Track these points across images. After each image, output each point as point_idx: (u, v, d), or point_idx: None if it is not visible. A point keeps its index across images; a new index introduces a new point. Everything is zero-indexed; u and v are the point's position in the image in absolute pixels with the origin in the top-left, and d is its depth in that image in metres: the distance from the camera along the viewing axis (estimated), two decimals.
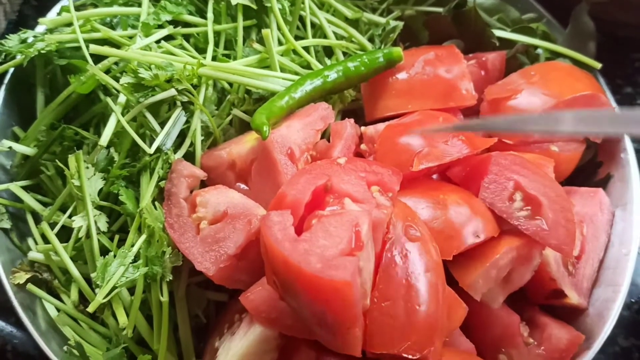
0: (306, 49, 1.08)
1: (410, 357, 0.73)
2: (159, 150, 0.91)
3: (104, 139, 0.90)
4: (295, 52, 1.06)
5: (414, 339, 0.73)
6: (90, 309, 0.82)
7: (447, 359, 0.78)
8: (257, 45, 1.02)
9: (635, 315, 1.05)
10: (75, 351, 0.82)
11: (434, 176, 0.99)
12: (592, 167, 1.10)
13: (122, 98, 0.93)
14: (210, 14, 1.04)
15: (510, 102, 1.02)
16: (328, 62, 1.10)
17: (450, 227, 0.86)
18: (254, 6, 1.04)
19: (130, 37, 1.01)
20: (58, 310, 0.91)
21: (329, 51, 1.13)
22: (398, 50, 1.03)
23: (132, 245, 0.86)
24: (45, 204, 0.97)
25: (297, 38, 1.11)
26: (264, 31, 0.99)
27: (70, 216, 0.92)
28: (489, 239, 0.87)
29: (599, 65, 1.10)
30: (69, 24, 1.02)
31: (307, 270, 0.68)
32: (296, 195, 0.76)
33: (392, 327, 0.74)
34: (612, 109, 1.06)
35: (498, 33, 1.13)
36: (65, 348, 0.84)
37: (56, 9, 1.10)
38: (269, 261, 0.73)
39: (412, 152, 0.92)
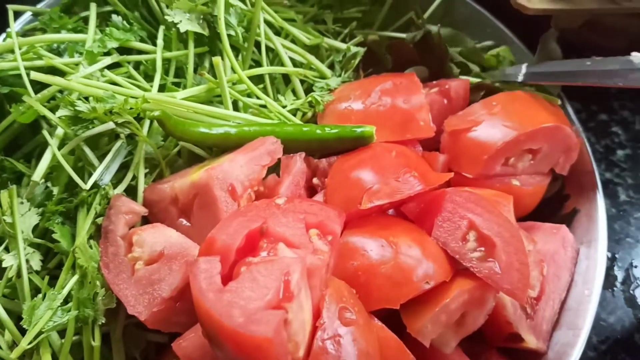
0: (262, 76, 1.04)
1: None
2: (96, 185, 0.87)
3: (38, 174, 0.86)
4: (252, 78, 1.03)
5: None
6: (14, 355, 0.78)
7: None
8: (208, 76, 0.97)
9: (603, 356, 1.01)
10: None
11: (390, 211, 0.95)
12: (559, 201, 1.05)
13: (60, 130, 0.90)
14: (160, 41, 1.01)
15: (469, 133, 0.98)
16: (281, 97, 1.05)
17: (400, 272, 0.81)
18: (206, 33, 1.01)
19: (76, 65, 0.97)
20: None
21: (287, 79, 1.10)
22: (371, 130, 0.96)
23: (63, 287, 0.82)
24: None
25: (256, 64, 1.08)
26: (215, 59, 0.95)
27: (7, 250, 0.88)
28: (441, 283, 0.83)
29: (558, 101, 1.05)
30: (13, 50, 0.98)
31: (228, 325, 0.64)
32: (226, 240, 0.72)
33: None
34: (579, 141, 1.01)
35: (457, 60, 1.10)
36: None
37: (6, 32, 1.07)
38: (196, 311, 0.69)
39: (362, 187, 0.88)
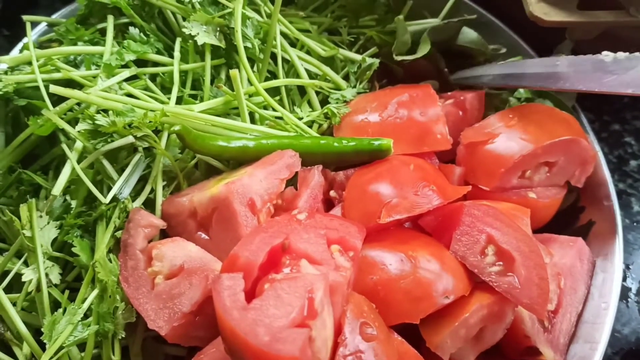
0: (278, 88, 1.04)
1: None
2: (115, 199, 0.87)
3: (57, 189, 0.86)
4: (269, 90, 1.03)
5: None
6: None
7: None
8: (225, 89, 0.98)
9: None
10: None
11: (407, 224, 0.95)
12: (574, 213, 1.05)
13: (79, 144, 0.90)
14: (177, 53, 1.01)
15: (487, 146, 0.98)
16: (297, 109, 1.06)
17: (420, 287, 0.81)
18: (222, 45, 1.01)
19: (94, 77, 0.97)
20: None
21: (302, 90, 1.10)
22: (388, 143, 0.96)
23: (83, 301, 0.82)
24: (1, 250, 0.94)
25: (271, 75, 1.08)
26: (232, 72, 0.96)
27: (26, 263, 0.88)
28: (460, 297, 0.83)
29: (570, 105, 1.06)
30: (30, 62, 0.98)
31: (254, 343, 0.64)
32: (249, 257, 0.72)
33: None
34: (594, 153, 1.02)
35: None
36: None
37: (22, 42, 1.07)
38: (220, 327, 0.69)
39: (381, 201, 0.89)
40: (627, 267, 1.11)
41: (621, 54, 0.96)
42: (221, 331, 0.68)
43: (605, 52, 0.97)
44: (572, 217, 1.05)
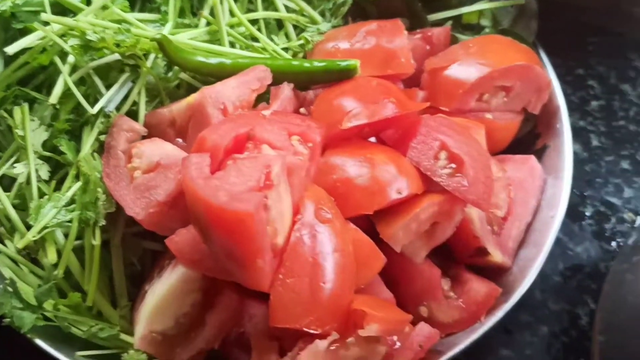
0: (256, 21, 1.12)
1: (312, 331, 0.76)
2: (102, 111, 0.95)
3: (54, 97, 0.94)
4: None
5: (317, 315, 0.77)
6: (20, 244, 0.86)
7: (362, 303, 0.81)
8: (206, 15, 1.06)
9: (567, 281, 1.08)
10: (9, 288, 0.87)
11: (372, 139, 1.02)
12: (531, 139, 1.13)
13: (71, 58, 0.98)
14: None
15: (447, 71, 1.06)
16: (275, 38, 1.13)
17: (376, 183, 0.89)
18: None
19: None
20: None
21: (281, 26, 1.18)
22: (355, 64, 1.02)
23: (68, 191, 0.90)
24: None
25: (251, 11, 1.16)
26: (213, 1, 1.04)
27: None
28: (413, 196, 0.90)
29: (530, 39, 1.13)
30: None
31: (214, 203, 0.72)
32: (216, 139, 0.80)
33: (296, 302, 0.77)
34: (549, 81, 1.09)
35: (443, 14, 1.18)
36: (1, 285, 0.88)
37: None
38: (186, 198, 0.77)
39: (344, 112, 0.96)
40: (582, 194, 1.18)
41: None
42: (187, 199, 0.76)
43: None
44: (529, 143, 1.12)
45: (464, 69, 1.05)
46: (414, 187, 0.90)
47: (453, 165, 0.92)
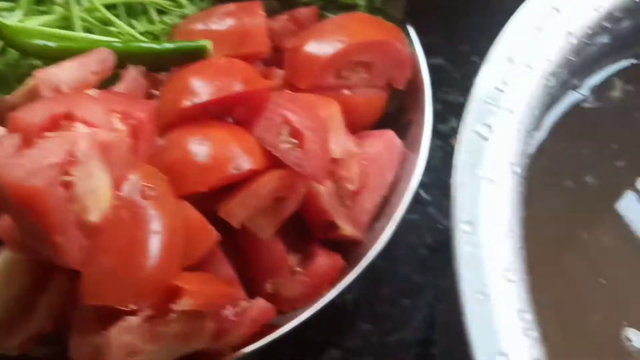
0: (114, 6, 1.11)
1: (124, 308, 0.75)
2: None
3: None
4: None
5: (131, 292, 0.76)
6: None
7: (182, 279, 0.80)
8: (57, 1, 1.05)
9: (432, 254, 1.08)
10: None
11: (229, 119, 1.01)
12: (399, 116, 1.12)
13: None
14: None
15: (304, 47, 1.05)
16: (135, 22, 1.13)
17: (214, 161, 0.88)
18: None
19: None
20: None
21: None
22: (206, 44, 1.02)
23: None
24: None
25: None
26: None
27: None
28: (254, 173, 0.89)
29: (398, 16, 1.13)
30: None
31: (9, 179, 0.71)
32: (29, 119, 0.79)
33: (109, 280, 0.76)
34: (410, 57, 1.09)
35: None
36: None
37: None
38: None
39: (190, 92, 0.95)
40: None
41: None
42: None
43: None
44: (396, 120, 1.12)
45: (321, 45, 1.04)
46: (254, 163, 0.89)
47: (295, 141, 0.91)
